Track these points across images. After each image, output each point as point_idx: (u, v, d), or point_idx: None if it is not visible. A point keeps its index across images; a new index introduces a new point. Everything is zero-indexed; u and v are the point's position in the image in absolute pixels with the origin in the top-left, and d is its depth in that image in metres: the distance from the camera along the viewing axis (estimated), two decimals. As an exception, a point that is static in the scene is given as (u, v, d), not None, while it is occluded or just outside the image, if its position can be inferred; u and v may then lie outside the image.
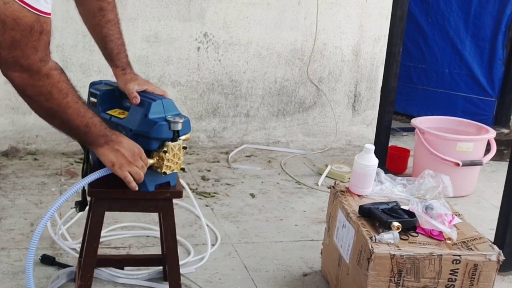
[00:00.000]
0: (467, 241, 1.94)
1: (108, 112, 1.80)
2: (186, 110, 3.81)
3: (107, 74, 3.56)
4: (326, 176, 3.49)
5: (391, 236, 1.89)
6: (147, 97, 1.73)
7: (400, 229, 1.91)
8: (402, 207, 2.06)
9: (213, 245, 2.59)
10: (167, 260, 1.90)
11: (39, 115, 1.47)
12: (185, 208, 2.91)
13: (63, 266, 2.30)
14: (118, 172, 1.61)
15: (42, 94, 1.39)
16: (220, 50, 3.81)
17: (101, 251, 2.35)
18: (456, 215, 2.11)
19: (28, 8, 1.25)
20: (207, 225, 2.67)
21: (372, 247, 1.85)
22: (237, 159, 3.76)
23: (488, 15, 4.51)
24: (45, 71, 1.36)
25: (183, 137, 1.73)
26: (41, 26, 1.30)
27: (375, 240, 1.88)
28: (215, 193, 3.18)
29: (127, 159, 1.62)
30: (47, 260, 2.31)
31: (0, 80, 1.53)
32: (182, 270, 2.02)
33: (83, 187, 1.78)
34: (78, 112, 1.49)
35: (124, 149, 1.60)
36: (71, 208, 2.62)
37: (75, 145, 3.47)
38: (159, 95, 1.77)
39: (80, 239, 2.26)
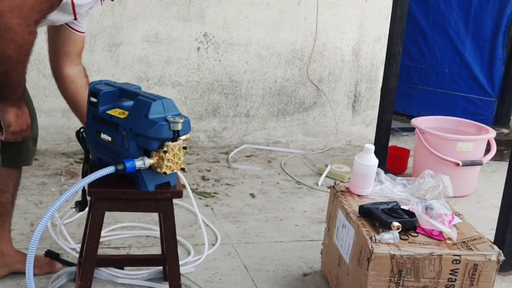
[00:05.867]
0: (467, 241, 1.94)
1: (108, 112, 1.80)
2: (186, 110, 3.81)
3: (107, 74, 3.59)
4: (326, 176, 3.49)
5: (391, 236, 1.89)
6: (147, 97, 1.73)
7: (400, 229, 1.91)
8: (402, 207, 2.06)
9: (213, 245, 2.59)
10: (167, 260, 1.90)
11: None
12: (185, 208, 2.91)
13: (66, 263, 2.31)
14: (7, 132, 1.86)
15: (16, 41, 1.64)
16: (220, 50, 3.81)
17: (101, 251, 2.36)
18: (456, 215, 2.11)
19: None
20: (207, 225, 2.67)
21: (372, 247, 1.85)
22: (237, 159, 3.76)
23: (488, 15, 4.51)
24: (29, 30, 1.65)
25: (183, 137, 1.73)
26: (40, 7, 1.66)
27: (375, 240, 1.88)
28: (215, 193, 3.18)
29: (19, 127, 1.89)
30: (51, 255, 2.32)
31: None
32: (182, 270, 2.02)
33: (83, 187, 1.78)
34: (24, 73, 1.77)
35: (22, 119, 1.88)
36: (71, 208, 2.62)
37: (75, 145, 3.47)
38: (157, 95, 1.77)
39: (80, 238, 2.26)
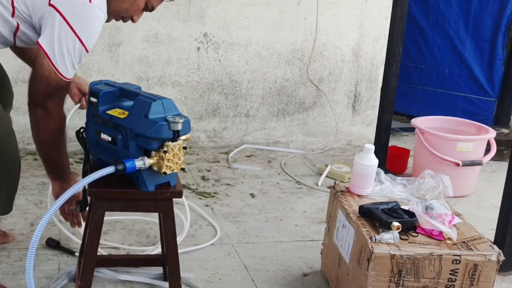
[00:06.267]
0: (467, 241, 1.94)
1: (108, 112, 1.80)
2: (186, 110, 3.81)
3: (107, 74, 3.59)
4: (326, 176, 3.49)
5: (391, 236, 1.89)
6: (147, 97, 1.73)
7: (400, 229, 1.91)
8: (402, 207, 2.06)
9: (212, 244, 2.59)
10: (167, 260, 1.90)
11: (36, 141, 1.94)
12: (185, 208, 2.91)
13: (66, 251, 2.37)
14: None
15: (49, 128, 1.88)
16: (220, 50, 3.81)
17: (101, 251, 2.36)
18: (456, 215, 2.11)
19: (63, 78, 1.83)
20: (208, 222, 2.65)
21: (372, 247, 1.85)
22: (237, 159, 3.76)
23: (488, 15, 4.51)
24: (59, 115, 1.90)
25: (183, 137, 1.73)
26: (68, 86, 1.90)
27: (375, 240, 1.88)
28: (215, 193, 3.18)
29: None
30: (51, 243, 2.39)
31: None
32: (181, 274, 2.02)
33: (84, 187, 1.78)
34: (61, 153, 1.97)
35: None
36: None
37: (75, 145, 3.46)
38: (157, 95, 1.77)
39: (80, 237, 2.26)
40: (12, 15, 1.86)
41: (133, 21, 1.99)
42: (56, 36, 1.76)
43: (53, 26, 1.76)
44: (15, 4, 1.84)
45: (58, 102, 1.87)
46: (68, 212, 2.13)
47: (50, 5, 1.78)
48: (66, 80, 1.84)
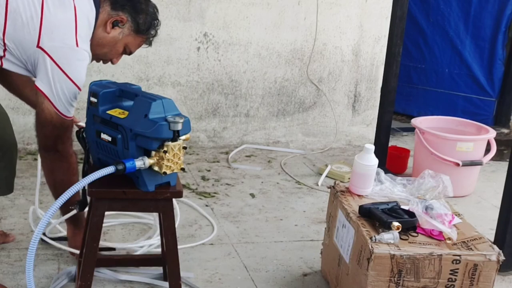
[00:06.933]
0: (467, 241, 1.94)
1: (108, 112, 1.81)
2: (186, 110, 3.81)
3: (107, 74, 3.59)
4: (326, 176, 3.49)
5: (391, 236, 1.89)
6: (147, 97, 1.73)
7: (400, 229, 1.91)
8: (402, 207, 2.06)
9: (211, 243, 2.59)
10: (167, 260, 1.90)
11: (51, 184, 2.05)
12: (185, 208, 2.91)
13: (62, 239, 2.41)
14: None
15: (62, 168, 2.00)
16: (220, 50, 3.81)
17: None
18: (456, 215, 2.11)
19: (65, 117, 1.91)
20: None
21: (372, 247, 1.85)
22: (237, 159, 3.76)
23: (488, 15, 4.51)
24: (71, 152, 2.01)
25: (183, 137, 1.73)
26: (72, 124, 2.00)
27: (375, 240, 1.88)
28: (215, 193, 3.18)
29: (74, 244, 2.28)
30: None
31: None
32: (181, 274, 2.02)
33: (83, 187, 1.78)
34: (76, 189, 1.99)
35: (78, 239, 2.24)
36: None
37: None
38: (157, 95, 1.77)
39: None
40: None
41: (112, 63, 2.10)
42: (51, 80, 1.85)
43: (46, 69, 1.85)
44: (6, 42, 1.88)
45: (67, 141, 1.98)
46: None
47: (39, 47, 1.85)
48: (69, 118, 1.93)
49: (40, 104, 1.89)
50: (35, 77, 1.92)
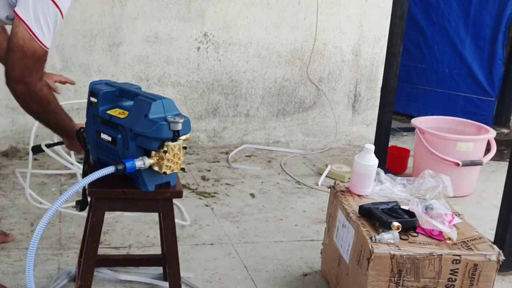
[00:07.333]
0: (467, 241, 1.94)
1: (108, 112, 1.80)
2: (186, 110, 3.81)
3: (107, 74, 3.59)
4: (326, 176, 3.49)
5: (391, 236, 1.89)
6: (147, 97, 1.73)
7: (400, 229, 1.91)
8: (402, 207, 2.06)
9: (211, 243, 2.59)
10: (167, 260, 1.90)
11: (30, 114, 1.92)
12: (185, 208, 2.91)
13: (56, 144, 2.32)
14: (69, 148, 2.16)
15: (35, 101, 1.85)
16: (220, 50, 3.81)
17: (101, 251, 2.36)
18: (456, 215, 2.11)
19: (41, 45, 1.76)
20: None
21: (372, 247, 1.85)
22: (237, 159, 3.76)
23: (488, 15, 4.51)
24: (39, 86, 1.84)
25: (183, 137, 1.73)
26: (45, 56, 1.82)
27: (375, 240, 1.88)
28: (215, 193, 3.18)
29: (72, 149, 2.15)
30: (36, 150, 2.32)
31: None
32: (181, 274, 2.02)
33: (84, 187, 1.78)
34: (57, 115, 1.95)
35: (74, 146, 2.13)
36: (71, 207, 2.63)
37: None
38: (157, 95, 1.77)
39: (80, 238, 2.26)
40: None
41: None
42: (31, 2, 1.74)
43: None
44: None
45: (35, 74, 1.80)
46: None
47: None
48: (43, 47, 1.77)
49: (14, 28, 1.76)
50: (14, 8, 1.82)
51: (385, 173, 2.28)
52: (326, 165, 3.58)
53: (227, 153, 3.81)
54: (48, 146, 2.27)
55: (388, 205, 2.05)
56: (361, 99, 4.21)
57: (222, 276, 2.37)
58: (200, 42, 3.75)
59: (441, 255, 1.86)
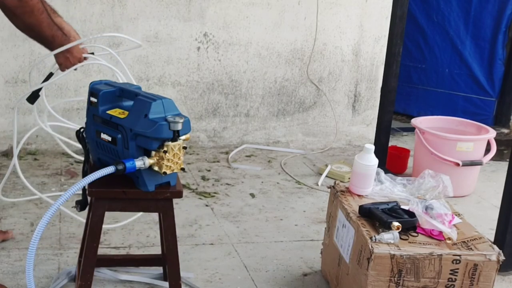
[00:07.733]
0: (467, 241, 1.94)
1: (108, 112, 1.80)
2: (186, 110, 3.81)
3: (107, 74, 3.59)
4: (326, 176, 3.49)
5: (391, 236, 1.89)
6: (147, 97, 1.73)
7: (400, 229, 1.91)
8: (402, 207, 2.06)
9: (211, 243, 2.59)
10: (167, 260, 1.90)
11: (20, 29, 1.92)
12: (185, 208, 2.92)
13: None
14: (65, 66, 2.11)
15: (26, 12, 1.84)
16: (220, 50, 3.81)
17: (101, 251, 2.36)
18: (456, 215, 2.11)
19: None
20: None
21: (372, 247, 1.85)
22: (237, 159, 3.76)
23: (488, 15, 4.51)
24: None
25: (183, 137, 1.73)
26: None
27: (375, 240, 1.88)
28: (215, 193, 3.18)
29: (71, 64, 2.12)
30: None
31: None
32: (181, 274, 2.03)
33: (84, 187, 1.78)
34: (49, 26, 1.93)
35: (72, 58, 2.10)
36: (71, 207, 2.62)
37: (75, 146, 3.46)
38: (157, 95, 1.77)
39: (80, 238, 2.26)
40: None
41: None
42: None
43: None
44: None
45: None
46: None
47: None
48: None
49: None
50: None
51: (385, 173, 2.28)
52: (326, 165, 3.58)
53: (227, 153, 3.81)
54: (39, 90, 2.22)
55: (388, 205, 2.05)
56: (361, 99, 4.21)
57: (222, 276, 2.37)
58: (200, 42, 3.75)
59: (441, 255, 1.86)
